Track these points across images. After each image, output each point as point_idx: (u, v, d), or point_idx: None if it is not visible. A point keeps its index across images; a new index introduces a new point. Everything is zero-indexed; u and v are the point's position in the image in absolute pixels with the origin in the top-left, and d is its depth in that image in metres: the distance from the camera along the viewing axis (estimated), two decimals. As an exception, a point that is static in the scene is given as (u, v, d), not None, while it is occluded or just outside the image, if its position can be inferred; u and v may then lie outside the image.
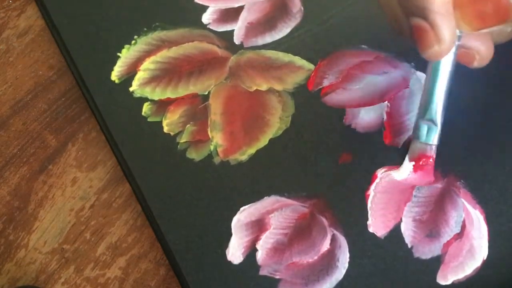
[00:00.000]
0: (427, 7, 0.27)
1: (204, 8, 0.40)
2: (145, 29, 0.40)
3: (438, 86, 0.32)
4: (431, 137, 0.33)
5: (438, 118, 0.33)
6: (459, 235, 0.33)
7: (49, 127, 0.38)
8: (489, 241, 0.33)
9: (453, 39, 0.28)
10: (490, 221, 0.33)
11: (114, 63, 0.39)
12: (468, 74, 0.37)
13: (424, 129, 0.33)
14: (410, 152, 0.34)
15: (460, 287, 0.32)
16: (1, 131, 0.38)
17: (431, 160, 0.34)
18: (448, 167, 0.35)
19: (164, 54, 0.39)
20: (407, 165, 0.34)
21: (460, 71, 0.32)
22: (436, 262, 0.32)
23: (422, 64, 0.38)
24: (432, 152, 0.34)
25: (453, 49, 0.30)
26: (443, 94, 0.32)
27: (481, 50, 0.30)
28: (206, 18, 0.40)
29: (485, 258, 0.33)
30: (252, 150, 0.36)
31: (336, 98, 0.37)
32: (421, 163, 0.34)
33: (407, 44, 0.38)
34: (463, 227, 0.33)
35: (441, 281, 0.32)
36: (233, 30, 0.40)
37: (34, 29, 0.41)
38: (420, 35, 0.28)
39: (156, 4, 0.41)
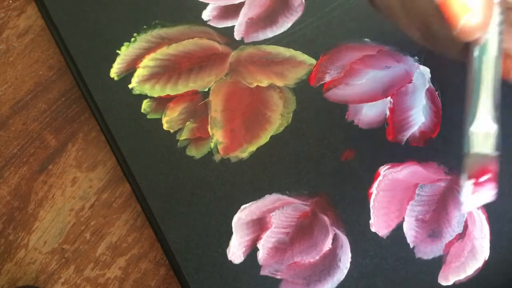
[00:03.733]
0: None
1: (204, 5, 0.40)
2: (144, 26, 0.39)
3: (484, 81, 0.25)
4: (489, 144, 0.26)
5: (492, 120, 0.25)
6: (461, 235, 0.32)
7: (49, 127, 0.38)
8: (491, 242, 0.32)
9: (488, 13, 0.23)
10: (492, 221, 0.33)
11: (113, 61, 0.38)
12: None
13: (477, 137, 0.26)
14: (467, 168, 0.26)
15: (461, 288, 0.32)
16: (1, 131, 0.38)
17: (490, 174, 0.26)
18: (451, 165, 0.34)
19: (163, 51, 0.39)
20: (467, 186, 0.26)
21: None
22: (437, 263, 0.32)
23: (426, 58, 0.37)
24: (492, 163, 0.26)
25: (496, 35, 0.24)
26: (492, 90, 0.25)
27: None
28: (206, 15, 0.40)
29: (486, 258, 0.32)
30: (253, 147, 0.35)
31: (338, 93, 0.36)
32: (482, 179, 0.26)
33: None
34: (465, 227, 0.33)
35: (442, 281, 0.31)
36: (233, 26, 0.39)
37: (34, 29, 0.41)
38: (447, 9, 0.23)
39: (155, 2, 0.40)
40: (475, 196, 0.26)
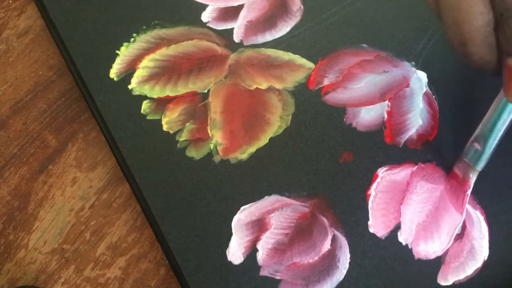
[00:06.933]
0: None
1: (203, 7, 0.40)
2: (144, 27, 0.40)
3: (502, 121, 0.31)
4: (477, 161, 0.33)
5: (490, 148, 0.32)
6: (460, 236, 0.33)
7: (49, 127, 0.38)
8: (490, 242, 0.33)
9: None
10: (490, 221, 0.33)
11: (113, 61, 0.38)
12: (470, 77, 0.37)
13: (472, 150, 0.33)
14: (455, 166, 0.34)
15: (460, 288, 0.32)
16: (1, 131, 0.38)
17: (467, 193, 0.34)
18: (449, 167, 0.35)
19: (163, 52, 0.39)
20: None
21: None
22: (436, 263, 0.32)
23: (423, 63, 0.38)
24: (470, 180, 0.33)
25: None
26: (503, 129, 0.31)
27: None
28: (205, 16, 0.40)
29: (486, 258, 0.33)
30: (252, 149, 0.36)
31: (336, 97, 0.37)
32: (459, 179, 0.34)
33: (407, 43, 0.39)
34: (464, 227, 0.33)
35: (441, 281, 0.32)
36: (232, 29, 0.40)
37: (34, 29, 0.41)
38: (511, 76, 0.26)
39: (155, 2, 0.40)
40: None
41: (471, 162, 0.33)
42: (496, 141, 0.32)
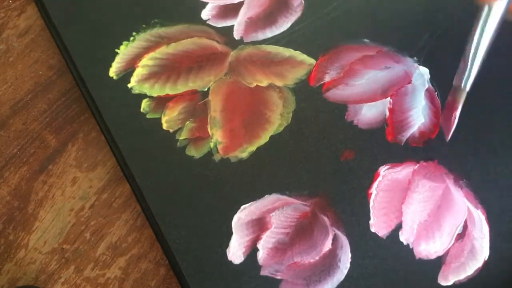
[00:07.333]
0: None
1: (203, 5, 0.40)
2: (143, 25, 0.39)
3: (482, 38, 0.33)
4: (464, 80, 0.35)
5: (473, 65, 0.34)
6: (461, 236, 0.33)
7: (49, 127, 0.38)
8: (491, 242, 0.32)
9: None
10: (491, 221, 0.33)
11: (113, 60, 0.38)
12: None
13: (459, 71, 0.35)
14: (449, 95, 0.36)
15: (461, 288, 0.32)
16: (1, 131, 0.38)
17: (455, 114, 0.35)
18: (451, 165, 0.34)
19: (163, 50, 0.39)
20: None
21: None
22: (437, 263, 0.32)
23: (425, 59, 0.37)
24: (458, 102, 0.35)
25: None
26: (484, 46, 0.34)
27: None
28: (205, 14, 0.40)
29: (486, 258, 0.32)
30: (252, 147, 0.35)
31: (338, 93, 0.37)
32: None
33: (409, 38, 0.38)
34: (465, 227, 0.33)
35: (442, 281, 0.32)
36: (232, 26, 0.39)
37: (34, 29, 0.41)
38: None
39: (154, 1, 0.40)
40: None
41: (459, 83, 0.34)
42: (478, 58, 0.34)
